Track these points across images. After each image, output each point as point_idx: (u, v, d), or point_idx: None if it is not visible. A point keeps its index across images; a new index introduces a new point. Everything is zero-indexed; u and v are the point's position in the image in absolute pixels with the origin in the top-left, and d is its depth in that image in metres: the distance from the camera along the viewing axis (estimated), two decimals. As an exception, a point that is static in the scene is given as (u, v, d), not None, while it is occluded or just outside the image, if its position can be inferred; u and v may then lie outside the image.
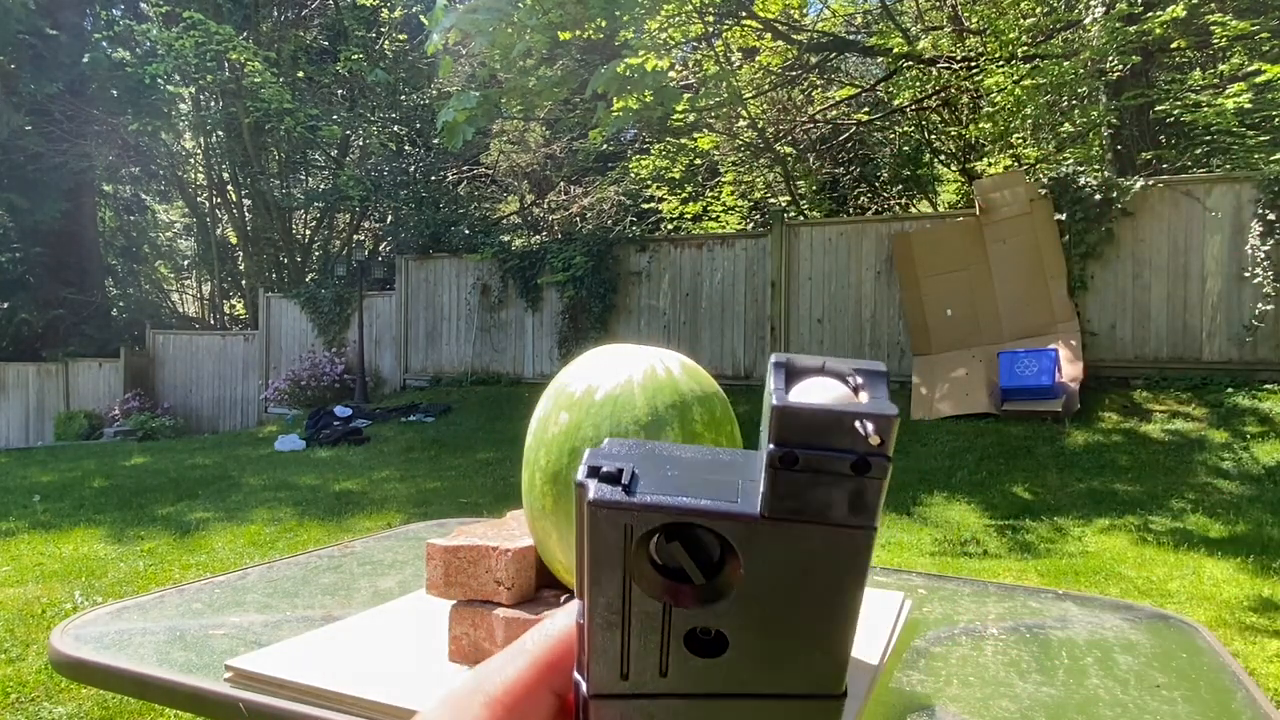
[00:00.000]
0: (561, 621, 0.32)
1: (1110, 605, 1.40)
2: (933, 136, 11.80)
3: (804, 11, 11.17)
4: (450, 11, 7.43)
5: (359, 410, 10.07)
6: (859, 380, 0.30)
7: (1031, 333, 7.58)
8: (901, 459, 6.61)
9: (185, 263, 19.11)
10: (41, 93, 13.58)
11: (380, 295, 11.60)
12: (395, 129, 14.09)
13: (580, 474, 0.29)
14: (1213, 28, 7.26)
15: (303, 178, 16.40)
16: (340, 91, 14.93)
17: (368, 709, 0.90)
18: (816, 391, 0.30)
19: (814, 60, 11.22)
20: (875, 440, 0.28)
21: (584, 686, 0.30)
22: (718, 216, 12.23)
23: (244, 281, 15.93)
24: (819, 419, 0.28)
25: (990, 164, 9.79)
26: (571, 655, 0.31)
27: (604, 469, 0.28)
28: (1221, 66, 8.47)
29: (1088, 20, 8.30)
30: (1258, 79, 6.85)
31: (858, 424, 0.28)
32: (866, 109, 11.83)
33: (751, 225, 11.69)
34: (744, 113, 10.63)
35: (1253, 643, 3.17)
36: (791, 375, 0.31)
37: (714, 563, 0.29)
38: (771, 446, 0.28)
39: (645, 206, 12.54)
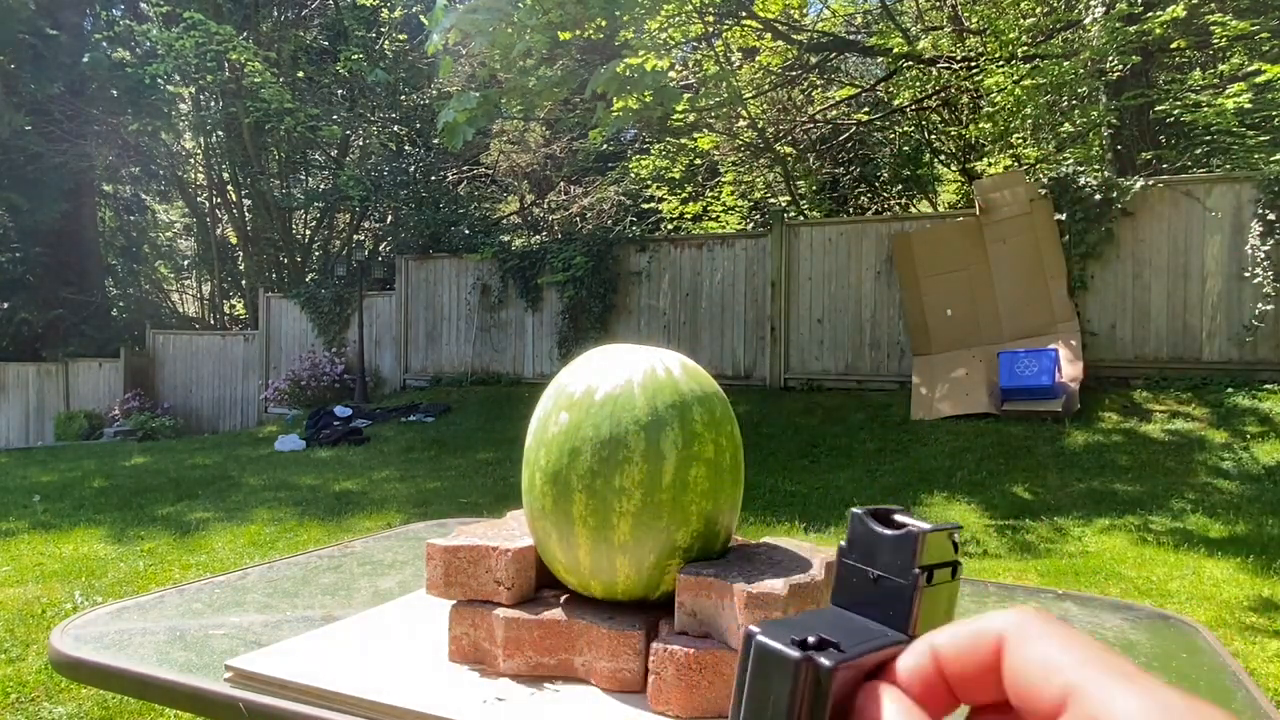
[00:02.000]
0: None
1: (1110, 605, 1.40)
2: (933, 136, 11.80)
3: (804, 11, 11.16)
4: (450, 11, 7.42)
5: (359, 410, 10.07)
6: (902, 515, 0.37)
7: (1031, 333, 7.58)
8: (901, 459, 6.62)
9: (185, 263, 19.11)
10: (41, 93, 13.58)
11: (380, 295, 11.60)
12: (395, 129, 14.10)
13: (794, 651, 0.33)
14: (1213, 28, 7.25)
15: (303, 178, 16.40)
16: (340, 91, 14.93)
17: (368, 709, 0.90)
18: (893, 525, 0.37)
19: (814, 60, 11.22)
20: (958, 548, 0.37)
21: None
22: (718, 216, 12.23)
23: (244, 281, 15.93)
24: (940, 540, 0.35)
25: (990, 164, 9.79)
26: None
27: (810, 639, 0.34)
28: (1221, 66, 8.47)
29: (1088, 20, 8.30)
30: (1258, 79, 6.85)
31: (954, 536, 0.36)
32: (866, 109, 11.83)
33: (751, 225, 11.69)
34: (744, 113, 10.63)
35: (1253, 643, 3.17)
36: (875, 515, 0.38)
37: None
38: (916, 570, 0.34)
39: (645, 206, 12.55)
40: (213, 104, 15.23)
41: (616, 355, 1.05)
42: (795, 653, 0.31)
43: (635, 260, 9.78)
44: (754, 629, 0.33)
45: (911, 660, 0.30)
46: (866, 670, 0.32)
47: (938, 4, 10.96)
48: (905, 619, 0.33)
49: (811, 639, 0.32)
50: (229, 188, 15.68)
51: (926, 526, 0.34)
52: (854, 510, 0.38)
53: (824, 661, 0.31)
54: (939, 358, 7.90)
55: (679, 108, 9.07)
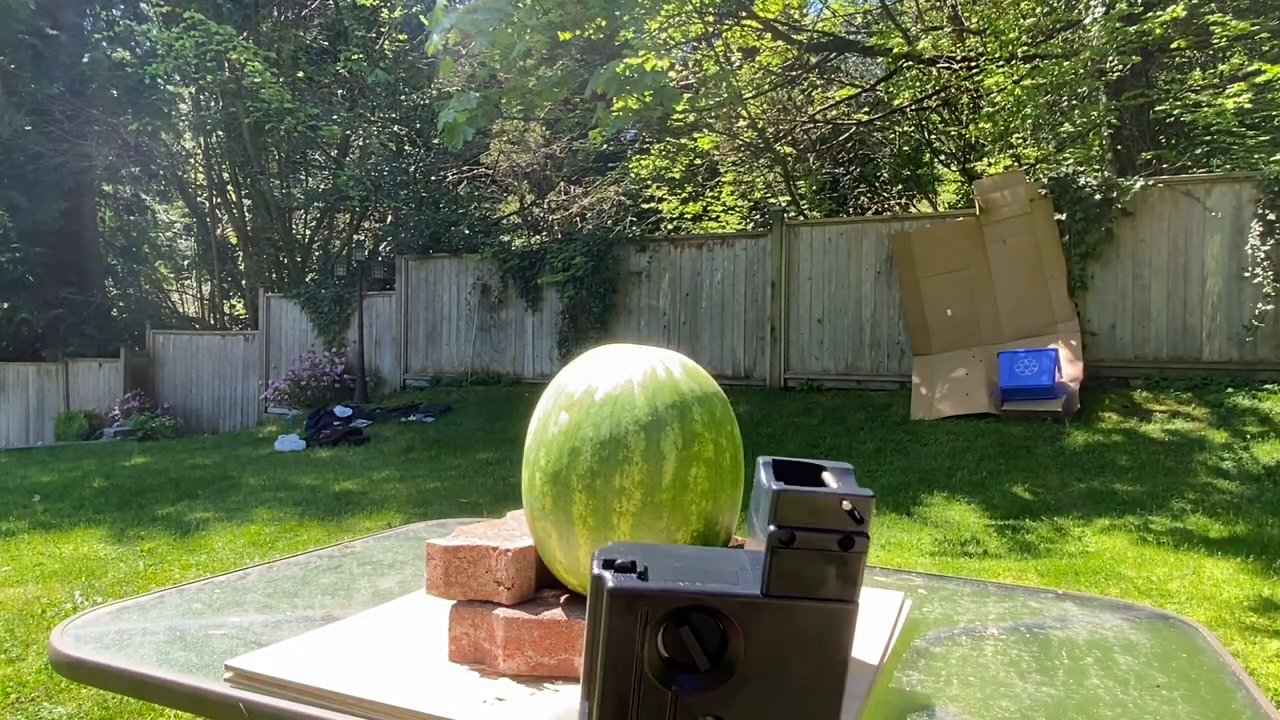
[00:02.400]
0: None
1: (1110, 605, 1.40)
2: (933, 136, 11.80)
3: (804, 11, 11.17)
4: (450, 12, 7.42)
5: (359, 410, 10.07)
6: (835, 475, 0.36)
7: (1031, 333, 7.58)
8: (901, 459, 6.62)
9: (185, 263, 19.11)
10: (41, 93, 13.58)
11: (380, 295, 11.60)
12: (395, 129, 14.09)
13: (595, 567, 0.32)
14: (1213, 28, 7.26)
15: (303, 178, 16.40)
16: (340, 91, 14.93)
17: (368, 709, 0.90)
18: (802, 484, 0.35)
19: (814, 60, 11.22)
20: (856, 520, 0.33)
21: None
22: (718, 216, 12.23)
23: (244, 281, 15.93)
24: (812, 502, 0.33)
25: (990, 164, 9.78)
26: None
27: (618, 561, 0.32)
28: (1221, 66, 8.47)
29: (1088, 20, 8.30)
30: (1258, 79, 6.85)
31: (844, 504, 0.33)
32: (866, 109, 11.83)
33: (751, 225, 11.69)
34: (744, 113, 10.63)
35: (1253, 643, 3.17)
36: (779, 471, 0.36)
37: (715, 651, 0.32)
38: (773, 528, 0.32)
39: (645, 206, 12.54)
40: (213, 104, 15.24)
41: (616, 355, 1.05)
42: (594, 569, 0.32)
43: (635, 260, 9.78)
44: (609, 546, 0.34)
45: None
46: (677, 607, 0.31)
47: (938, 4, 10.96)
48: (761, 577, 0.32)
49: (620, 560, 0.32)
50: (229, 188, 15.68)
51: (807, 489, 0.33)
52: (761, 459, 0.38)
53: (608, 581, 0.31)
54: (939, 358, 7.90)
55: (679, 108, 9.08)
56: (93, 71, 13.68)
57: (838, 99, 11.77)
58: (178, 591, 1.38)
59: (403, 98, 14.09)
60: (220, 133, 15.02)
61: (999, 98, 8.24)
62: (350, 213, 15.07)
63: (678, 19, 8.36)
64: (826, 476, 0.35)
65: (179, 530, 5.39)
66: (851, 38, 10.98)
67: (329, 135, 13.75)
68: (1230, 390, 6.84)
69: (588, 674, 0.33)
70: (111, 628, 1.19)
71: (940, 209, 12.04)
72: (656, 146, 11.71)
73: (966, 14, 9.95)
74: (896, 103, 10.79)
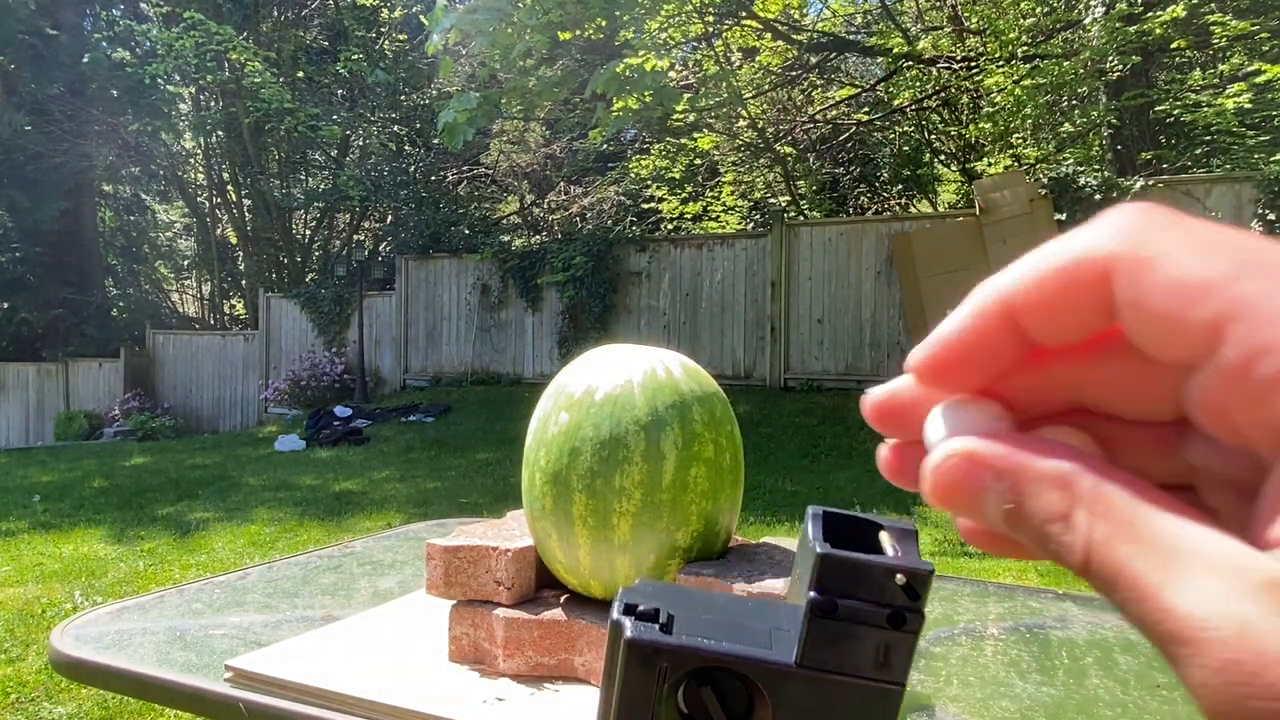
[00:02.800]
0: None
1: (1110, 605, 1.39)
2: (933, 136, 11.80)
3: (804, 11, 11.17)
4: (450, 12, 7.43)
5: (359, 410, 10.07)
6: (893, 538, 0.31)
7: (1031, 333, 7.58)
8: (901, 459, 6.60)
9: (185, 263, 19.11)
10: (41, 93, 13.59)
11: (380, 295, 11.60)
12: (395, 129, 14.10)
13: (615, 611, 0.29)
14: (1213, 28, 7.26)
15: (303, 178, 16.40)
16: (340, 91, 14.93)
17: (368, 709, 0.90)
18: (854, 544, 0.31)
19: (814, 60, 11.22)
20: (910, 596, 0.28)
21: None
22: (718, 216, 12.23)
23: (244, 281, 15.93)
24: (859, 569, 0.28)
25: (990, 164, 9.78)
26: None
27: (640, 607, 0.29)
28: (1221, 66, 8.47)
29: (1088, 20, 8.30)
30: (1258, 79, 6.85)
31: (898, 577, 0.28)
32: (866, 109, 11.83)
33: (751, 225, 11.69)
34: (744, 113, 10.63)
35: (1253, 643, 3.17)
36: (829, 526, 0.31)
37: (740, 715, 0.29)
38: (812, 594, 0.28)
39: (645, 206, 12.54)
40: (213, 104, 15.24)
41: (616, 355, 1.05)
42: (614, 613, 0.29)
43: (635, 260, 9.78)
44: (636, 585, 0.31)
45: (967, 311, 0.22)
46: (698, 666, 0.28)
47: (938, 4, 10.96)
48: (797, 644, 0.29)
49: (643, 606, 0.29)
50: (229, 188, 15.68)
51: (855, 555, 0.29)
52: (811, 509, 0.32)
53: (626, 630, 0.28)
54: (939, 358, 7.90)
55: (679, 108, 9.07)
56: (93, 71, 13.68)
57: (838, 99, 11.77)
58: (178, 591, 1.38)
59: (403, 98, 14.10)
60: (220, 133, 15.01)
61: (999, 98, 8.24)
62: (350, 213, 15.07)
63: (678, 19, 8.36)
64: (884, 538, 0.31)
65: (179, 530, 5.39)
66: (851, 38, 10.98)
67: (329, 135, 13.75)
68: (1230, 390, 6.83)
69: (602, 716, 0.30)
70: (111, 628, 1.19)
71: (940, 209, 12.04)
72: (656, 146, 11.71)
73: (966, 14, 9.95)
74: (896, 103, 10.79)
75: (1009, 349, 0.22)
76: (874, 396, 0.23)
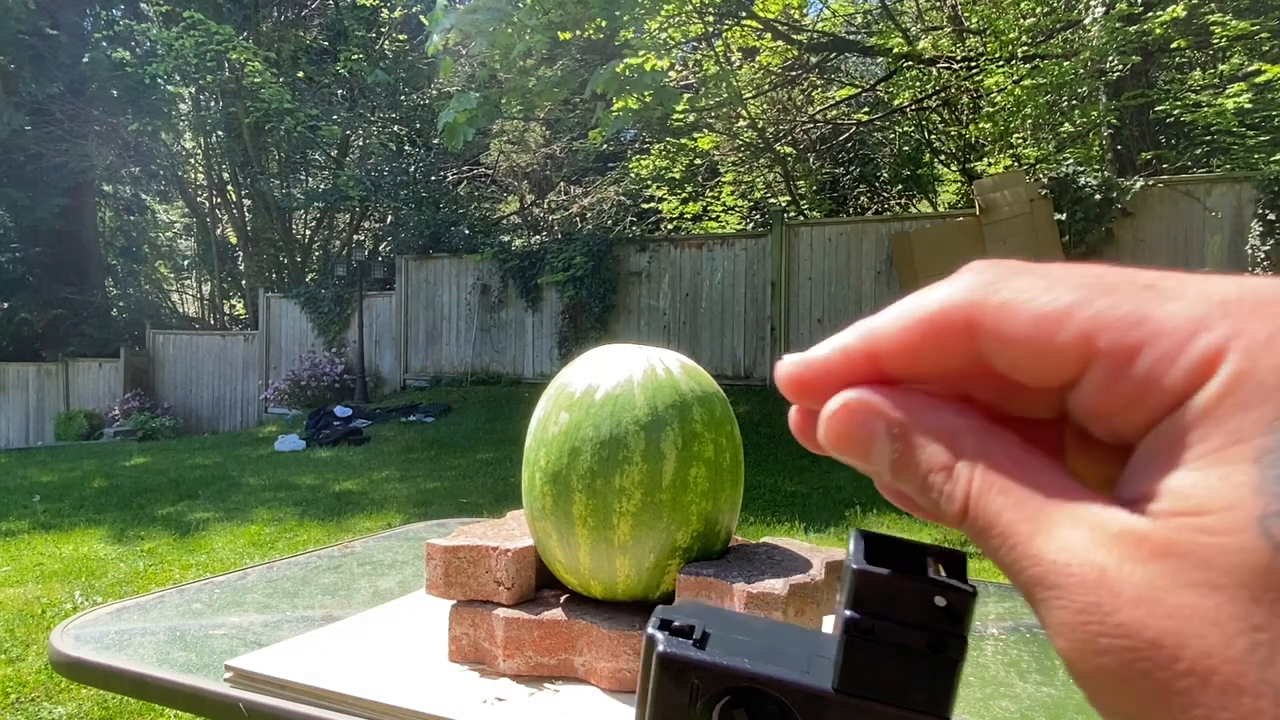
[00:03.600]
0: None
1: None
2: (933, 136, 11.80)
3: (804, 11, 11.16)
4: (450, 12, 7.42)
5: (359, 410, 10.07)
6: (937, 561, 0.29)
7: (1031, 333, 7.58)
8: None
9: (185, 263, 19.11)
10: (41, 93, 13.59)
11: (380, 295, 11.60)
12: (395, 129, 14.10)
13: (651, 625, 0.28)
14: (1213, 28, 7.26)
15: (303, 178, 16.41)
16: (340, 91, 14.93)
17: (368, 709, 0.90)
18: (896, 566, 0.29)
19: (814, 60, 11.22)
20: (952, 619, 0.27)
21: None
22: (718, 216, 12.23)
23: (244, 281, 15.93)
24: (897, 587, 0.27)
25: (990, 164, 9.79)
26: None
27: (676, 623, 0.28)
28: (1221, 66, 8.47)
29: (1088, 20, 8.30)
30: (1258, 79, 6.86)
31: (938, 598, 0.27)
32: (866, 109, 11.83)
33: (751, 225, 11.69)
34: (744, 113, 10.63)
35: (1253, 643, 3.17)
36: (870, 545, 0.29)
37: None
38: (848, 613, 0.27)
39: (645, 206, 12.54)
40: (213, 104, 15.24)
41: (617, 355, 1.05)
42: (650, 628, 0.29)
43: (635, 260, 9.78)
44: (675, 605, 0.30)
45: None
46: (731, 686, 0.27)
47: (938, 4, 10.96)
48: (834, 669, 0.28)
49: (678, 623, 0.29)
50: (229, 188, 15.68)
51: (892, 573, 0.27)
52: (853, 530, 0.31)
53: (659, 644, 0.27)
54: (939, 358, 7.90)
55: (679, 108, 9.07)
56: (93, 71, 13.68)
57: (838, 99, 11.77)
58: (178, 591, 1.38)
59: (403, 98, 14.10)
60: (220, 133, 15.01)
61: (999, 98, 8.24)
62: (350, 213, 15.07)
63: (678, 19, 8.36)
64: (929, 561, 0.29)
65: (179, 530, 5.39)
66: (851, 38, 10.98)
67: (329, 135, 13.75)
68: (1230, 390, 6.84)
69: None
70: (111, 628, 1.19)
71: (940, 209, 12.04)
72: (656, 146, 11.71)
73: (966, 14, 9.95)
74: (896, 103, 10.79)
75: (872, 382, 0.23)
76: (787, 368, 0.24)
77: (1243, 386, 0.17)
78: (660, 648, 0.28)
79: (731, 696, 0.28)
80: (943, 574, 0.28)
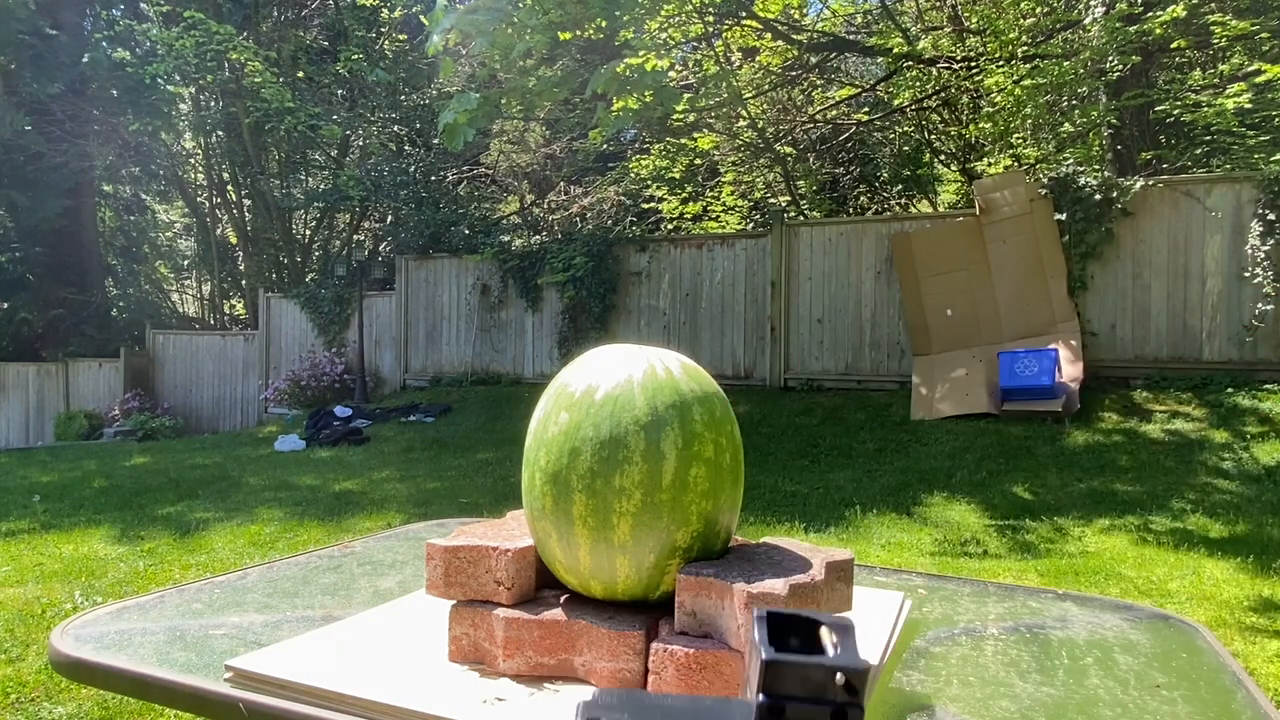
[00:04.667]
0: None
1: (1110, 605, 1.40)
2: (933, 136, 11.80)
3: (804, 11, 11.16)
4: (450, 12, 7.42)
5: (359, 410, 10.07)
6: (832, 633, 0.33)
7: (1031, 333, 7.58)
8: (901, 459, 6.61)
9: (185, 263, 19.11)
10: (42, 93, 13.58)
11: (380, 295, 11.60)
12: (395, 129, 14.09)
13: None
14: (1213, 28, 7.26)
15: (303, 178, 16.40)
16: (340, 91, 14.93)
17: (367, 709, 0.90)
18: (798, 640, 0.33)
19: (814, 60, 11.22)
20: (850, 692, 0.31)
21: None
22: (718, 216, 12.23)
23: (244, 281, 15.93)
24: (802, 672, 0.31)
25: (990, 164, 9.79)
26: None
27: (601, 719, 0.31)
28: (1221, 66, 8.47)
29: (1088, 20, 8.30)
30: (1258, 79, 6.85)
31: (837, 676, 0.31)
32: (866, 109, 11.83)
33: (751, 225, 11.69)
34: (744, 113, 10.63)
35: (1253, 643, 3.17)
36: (774, 628, 0.33)
37: None
38: (760, 698, 0.30)
39: (645, 206, 12.54)
40: (213, 104, 15.23)
41: (617, 355, 1.05)
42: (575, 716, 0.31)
43: (635, 260, 9.78)
44: (594, 698, 0.32)
45: None
46: None
47: (938, 4, 10.96)
48: None
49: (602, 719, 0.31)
50: (229, 188, 15.68)
51: (798, 659, 0.31)
52: (756, 610, 0.35)
53: None
54: (939, 358, 7.90)
55: (679, 108, 9.07)
56: (93, 71, 13.67)
57: (838, 99, 11.77)
58: (178, 591, 1.38)
59: (403, 98, 14.09)
60: (220, 133, 15.01)
61: (999, 98, 8.24)
62: (350, 213, 15.06)
63: (678, 19, 8.36)
64: (824, 634, 0.32)
65: (179, 530, 5.39)
66: (851, 38, 10.98)
67: (329, 135, 13.75)
68: (1230, 390, 6.83)
69: None
70: (111, 628, 1.19)
71: (940, 209, 12.04)
72: (656, 146, 11.71)
73: (966, 14, 9.95)
74: (896, 103, 10.79)
75: None
76: None
77: None
78: None
79: None
80: (839, 648, 0.32)
